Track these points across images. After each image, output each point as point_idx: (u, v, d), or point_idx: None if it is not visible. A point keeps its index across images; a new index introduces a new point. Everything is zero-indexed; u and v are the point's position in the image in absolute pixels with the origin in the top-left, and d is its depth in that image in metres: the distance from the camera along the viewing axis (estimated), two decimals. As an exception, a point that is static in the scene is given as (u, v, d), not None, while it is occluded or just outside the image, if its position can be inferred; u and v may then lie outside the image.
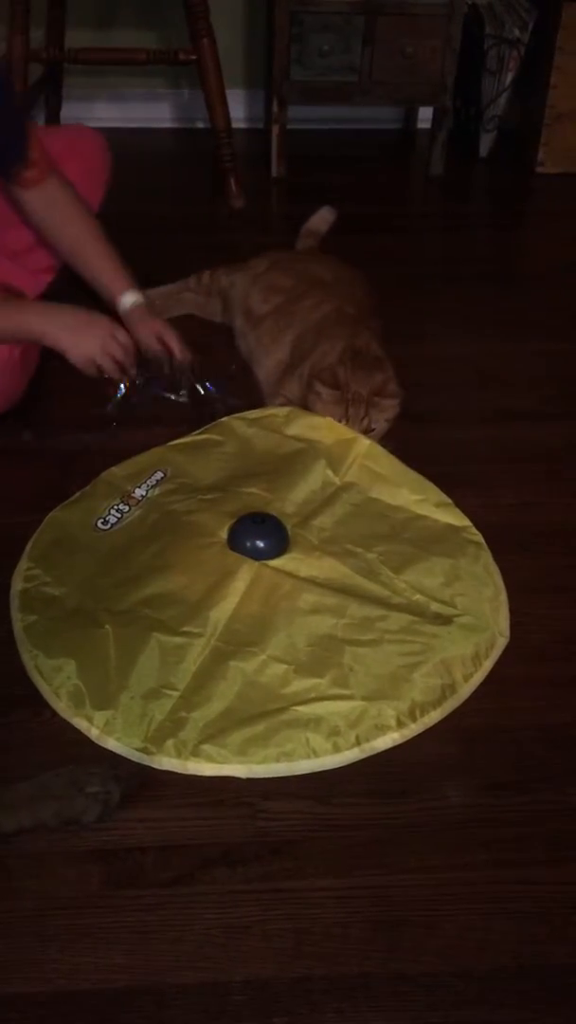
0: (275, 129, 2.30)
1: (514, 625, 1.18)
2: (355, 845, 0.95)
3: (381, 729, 1.03)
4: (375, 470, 1.36)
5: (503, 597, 1.20)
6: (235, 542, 1.22)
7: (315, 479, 1.33)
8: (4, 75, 1.35)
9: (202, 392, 1.51)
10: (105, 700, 1.04)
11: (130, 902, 0.90)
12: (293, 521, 1.26)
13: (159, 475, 1.35)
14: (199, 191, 2.28)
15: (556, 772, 1.03)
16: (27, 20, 2.05)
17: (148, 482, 1.34)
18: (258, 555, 1.20)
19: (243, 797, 0.98)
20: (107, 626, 1.11)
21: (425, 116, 2.53)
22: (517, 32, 2.31)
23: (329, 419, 1.41)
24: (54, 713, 1.05)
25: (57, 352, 1.42)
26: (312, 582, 1.18)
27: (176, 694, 1.05)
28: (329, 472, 1.34)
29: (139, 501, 1.31)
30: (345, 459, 1.37)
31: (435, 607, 1.17)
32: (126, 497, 1.31)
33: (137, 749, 1.01)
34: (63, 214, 1.48)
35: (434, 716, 1.06)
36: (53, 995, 0.83)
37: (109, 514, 1.29)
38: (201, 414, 1.48)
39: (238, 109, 2.44)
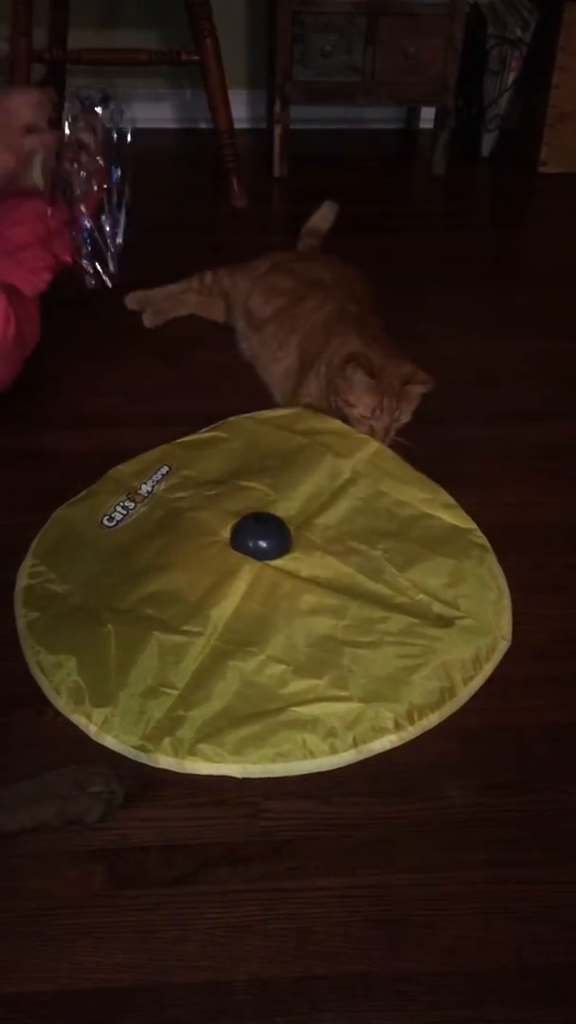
0: (277, 129, 2.30)
1: (514, 624, 1.18)
2: (357, 844, 0.95)
3: (378, 731, 1.03)
4: (384, 467, 1.36)
5: (506, 601, 1.20)
6: (237, 542, 1.22)
7: (322, 473, 1.33)
8: None
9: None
10: (104, 697, 1.05)
11: (133, 902, 0.90)
12: (297, 521, 1.26)
13: (164, 470, 1.35)
14: (201, 191, 2.29)
15: (557, 771, 1.03)
16: (30, 21, 2.05)
17: (153, 477, 1.34)
18: (260, 555, 1.21)
19: (245, 797, 0.99)
20: (109, 624, 1.12)
21: (427, 116, 2.53)
22: (519, 32, 2.31)
23: (338, 422, 1.41)
24: (57, 712, 1.06)
25: None
26: (313, 582, 1.18)
27: (175, 693, 1.05)
28: (338, 462, 1.35)
29: (144, 497, 1.31)
30: (354, 453, 1.37)
31: (437, 608, 1.17)
32: (132, 494, 1.32)
33: (135, 747, 1.01)
34: None
35: (432, 719, 1.06)
36: (55, 994, 0.83)
37: (115, 511, 1.29)
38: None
39: (240, 109, 2.44)
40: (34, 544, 1.25)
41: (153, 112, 2.56)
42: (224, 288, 1.71)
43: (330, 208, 1.92)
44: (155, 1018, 0.82)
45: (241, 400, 1.54)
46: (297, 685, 1.07)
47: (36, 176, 1.48)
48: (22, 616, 1.15)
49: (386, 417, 1.38)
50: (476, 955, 0.87)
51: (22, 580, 1.20)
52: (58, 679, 1.07)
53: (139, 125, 2.51)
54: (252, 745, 1.01)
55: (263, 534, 1.22)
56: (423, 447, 1.43)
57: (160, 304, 1.75)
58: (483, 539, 1.28)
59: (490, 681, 1.11)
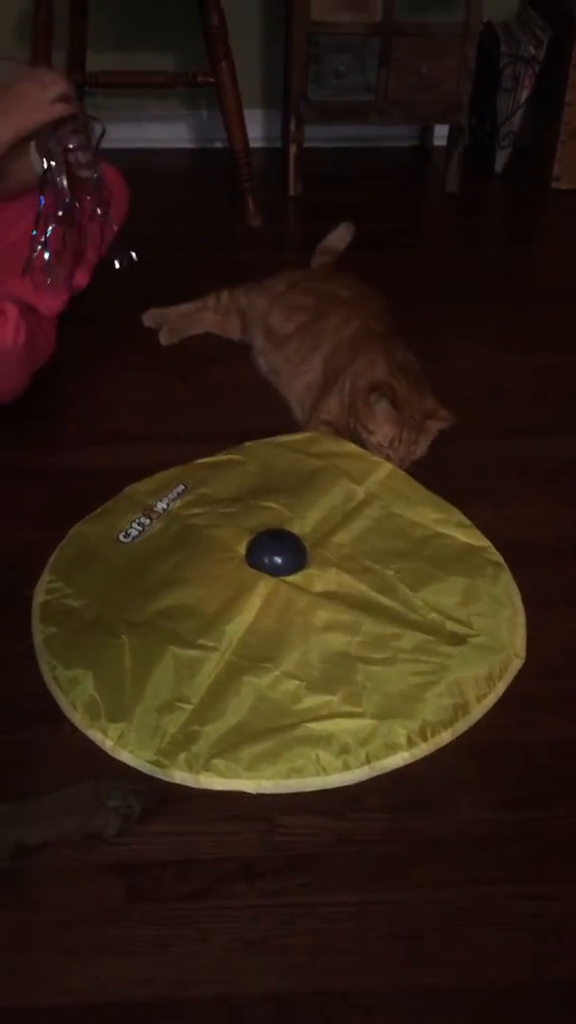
0: (292, 148, 2.32)
1: (529, 640, 1.18)
2: (371, 860, 0.96)
3: (391, 748, 1.04)
4: (397, 489, 1.37)
5: (521, 619, 1.21)
6: (253, 558, 1.23)
7: (337, 495, 1.35)
8: None
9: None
10: (120, 712, 1.06)
11: (150, 916, 0.91)
12: (312, 539, 1.27)
13: (180, 488, 1.37)
14: (217, 210, 2.31)
15: (571, 788, 1.03)
16: (49, 44, 2.09)
17: (169, 496, 1.36)
18: (275, 571, 1.22)
19: (260, 812, 1.00)
20: (124, 637, 1.13)
21: (441, 133, 2.55)
22: (532, 50, 2.33)
23: (353, 445, 1.42)
24: (74, 728, 1.07)
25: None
26: (328, 599, 1.19)
27: (190, 707, 1.06)
28: (353, 486, 1.36)
29: (160, 514, 1.33)
30: (368, 477, 1.38)
31: (450, 626, 1.17)
32: (147, 511, 1.33)
33: (150, 762, 1.02)
34: None
35: (445, 736, 1.06)
36: (75, 1008, 0.84)
37: (131, 527, 1.31)
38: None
39: (256, 128, 2.47)
40: (51, 560, 1.27)
41: (170, 132, 2.59)
42: (240, 306, 1.73)
43: (347, 229, 1.94)
44: (172, 1032, 0.83)
45: (257, 417, 1.56)
46: (311, 701, 1.08)
47: (33, 159, 1.48)
48: (39, 632, 1.17)
49: (403, 449, 1.40)
50: (491, 971, 0.88)
51: (39, 596, 1.22)
52: (74, 694, 1.09)
53: (156, 145, 2.56)
54: (266, 761, 1.02)
55: (279, 550, 1.24)
56: (437, 462, 1.44)
57: (176, 322, 1.77)
58: (497, 556, 1.29)
59: (504, 697, 1.12)
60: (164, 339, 1.75)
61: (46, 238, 1.47)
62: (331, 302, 1.62)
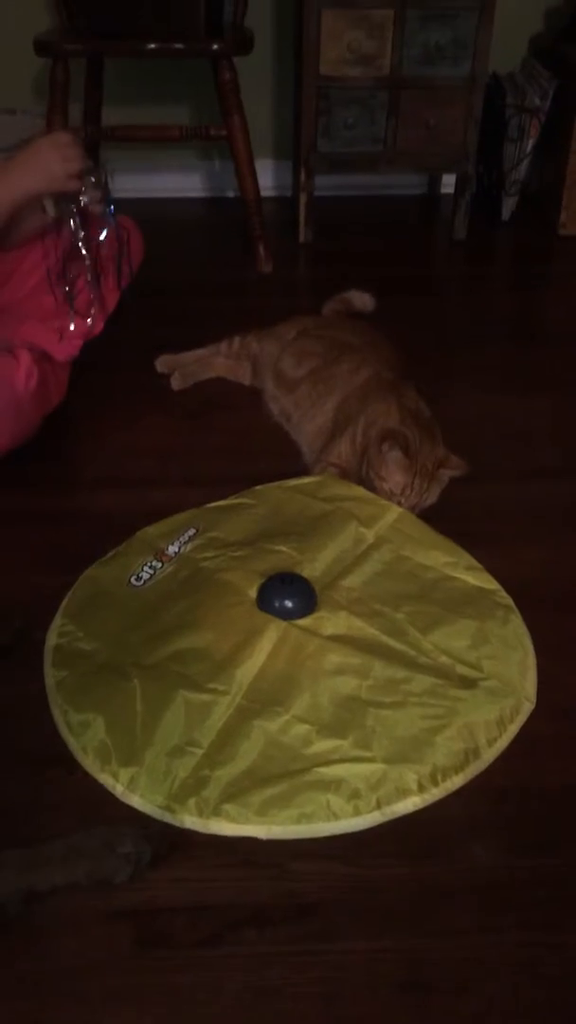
0: (302, 197, 2.37)
1: (540, 684, 1.18)
2: (383, 907, 0.95)
3: (402, 793, 1.04)
4: (407, 532, 1.38)
5: (531, 661, 1.20)
6: (263, 602, 1.24)
7: (346, 538, 1.36)
8: None
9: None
10: (130, 757, 1.06)
11: (160, 963, 0.90)
12: (322, 583, 1.28)
13: (191, 531, 1.38)
14: (230, 257, 2.35)
15: (585, 834, 1.03)
16: (66, 99, 2.15)
17: (180, 539, 1.37)
18: (286, 615, 1.22)
19: (271, 858, 0.99)
20: (135, 680, 1.13)
21: (448, 182, 2.60)
22: (538, 101, 2.38)
23: (362, 488, 1.44)
24: (86, 772, 1.07)
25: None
26: (338, 642, 1.20)
27: (200, 751, 1.06)
28: (362, 529, 1.37)
29: (171, 557, 1.34)
30: (377, 520, 1.39)
31: (461, 669, 1.17)
32: (159, 554, 1.35)
33: (160, 807, 1.02)
34: None
35: (456, 781, 1.06)
36: (84, 1056, 0.84)
37: (142, 571, 1.32)
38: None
39: (267, 178, 2.53)
40: (64, 603, 1.28)
41: (183, 182, 2.66)
42: (252, 352, 1.76)
43: (370, 299, 1.95)
44: None
45: (266, 461, 1.58)
46: (321, 745, 1.08)
47: (47, 206, 1.53)
48: (51, 675, 1.18)
49: (414, 497, 1.42)
50: (506, 1021, 0.86)
51: (51, 639, 1.23)
52: (85, 738, 1.09)
53: (170, 195, 2.62)
54: (277, 806, 1.02)
55: (289, 594, 1.24)
56: (447, 504, 1.45)
57: (188, 367, 1.80)
58: (507, 599, 1.29)
59: (515, 741, 1.11)
60: (176, 384, 1.77)
61: (68, 277, 1.51)
62: (342, 349, 1.64)
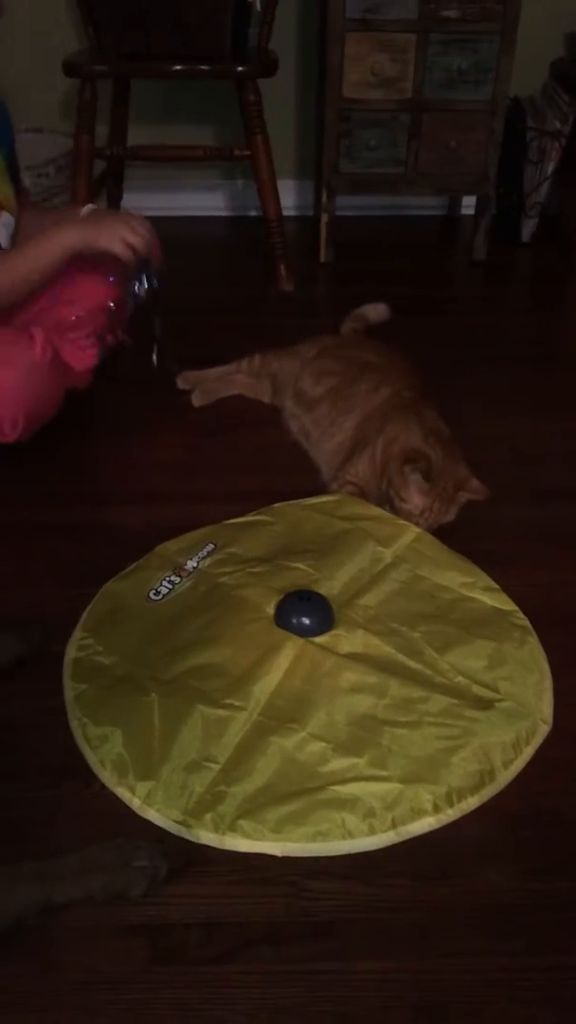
0: (324, 217, 2.39)
1: (557, 706, 1.18)
2: (397, 927, 0.95)
3: (417, 813, 1.04)
4: (424, 552, 1.39)
5: (548, 683, 1.20)
6: (281, 618, 1.25)
7: (364, 557, 1.36)
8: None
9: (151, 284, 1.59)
10: (148, 771, 1.07)
11: (174, 978, 0.91)
12: (340, 601, 1.29)
13: (209, 547, 1.39)
14: (251, 276, 2.37)
15: (600, 858, 1.02)
16: (93, 120, 2.18)
17: (199, 554, 1.38)
18: (303, 632, 1.23)
19: (286, 875, 0.99)
20: (153, 694, 1.14)
21: (469, 203, 2.61)
22: (558, 124, 2.40)
23: (379, 509, 1.45)
24: (103, 785, 1.08)
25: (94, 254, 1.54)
26: (354, 660, 1.20)
27: (217, 767, 1.07)
28: (380, 549, 1.37)
29: (189, 572, 1.35)
30: (395, 540, 1.40)
31: (477, 690, 1.18)
32: (178, 569, 1.36)
33: (176, 821, 1.03)
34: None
35: (471, 803, 1.06)
36: (98, 1070, 0.84)
37: (161, 585, 1.33)
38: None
39: (288, 197, 2.55)
40: (83, 617, 1.29)
41: (206, 201, 2.68)
42: (272, 370, 1.77)
43: (384, 308, 1.98)
44: None
45: (285, 478, 1.59)
46: (337, 763, 1.08)
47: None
48: (70, 688, 1.19)
49: (433, 518, 1.43)
50: (517, 1046, 0.86)
51: (71, 653, 1.24)
52: (103, 752, 1.10)
53: (193, 213, 2.65)
54: (292, 823, 1.02)
55: (306, 611, 1.25)
56: (462, 525, 1.46)
57: (209, 384, 1.82)
58: (524, 620, 1.29)
59: (531, 763, 1.11)
60: (196, 401, 1.79)
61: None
62: (362, 368, 1.65)
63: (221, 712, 1.12)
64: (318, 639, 1.23)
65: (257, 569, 1.34)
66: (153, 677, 1.17)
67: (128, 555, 1.40)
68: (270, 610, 1.26)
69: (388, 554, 1.37)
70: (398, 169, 2.33)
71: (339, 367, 1.67)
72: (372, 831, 1.02)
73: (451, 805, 1.05)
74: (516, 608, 1.31)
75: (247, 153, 2.19)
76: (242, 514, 1.48)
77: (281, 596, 1.27)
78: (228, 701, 1.14)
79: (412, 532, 1.41)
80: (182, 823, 1.03)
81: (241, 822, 1.02)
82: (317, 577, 1.32)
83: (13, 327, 1.57)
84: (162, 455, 1.68)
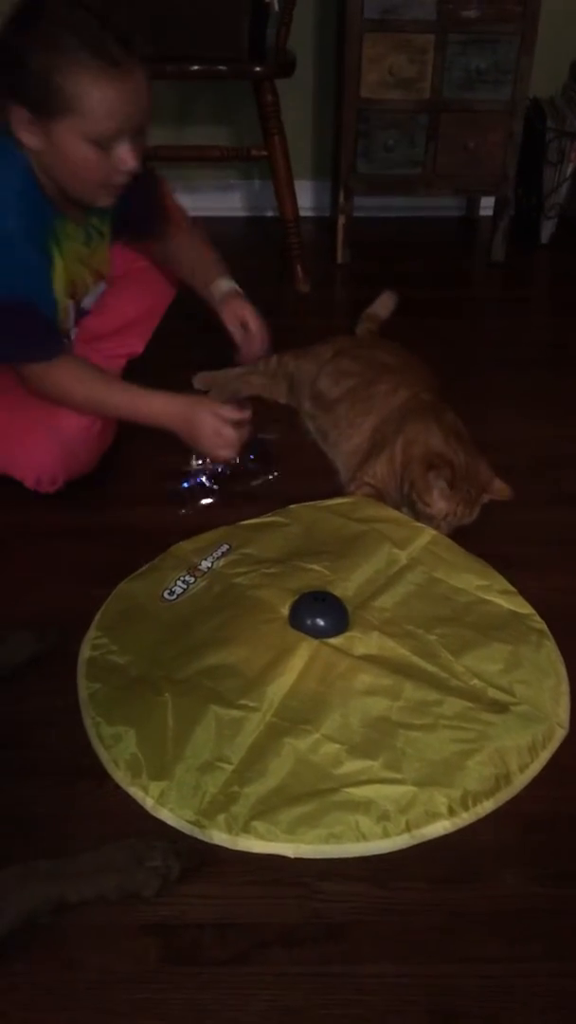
0: (341, 218, 2.39)
1: (573, 710, 1.17)
2: (411, 931, 0.95)
3: (432, 816, 1.03)
4: (440, 555, 1.38)
5: (565, 687, 1.20)
6: (296, 619, 1.25)
7: (379, 559, 1.36)
8: None
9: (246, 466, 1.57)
10: (161, 770, 1.07)
11: (187, 979, 0.91)
12: (355, 603, 1.28)
13: (224, 547, 1.39)
14: (267, 276, 2.37)
15: (617, 864, 1.02)
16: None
17: (214, 554, 1.38)
18: (318, 633, 1.23)
19: (300, 877, 0.99)
20: (166, 694, 1.14)
21: (487, 204, 2.60)
22: (578, 125, 2.39)
23: (395, 511, 1.44)
24: (117, 784, 1.08)
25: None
26: (369, 662, 1.20)
27: (230, 768, 1.07)
28: (396, 551, 1.37)
29: (204, 572, 1.35)
30: (411, 542, 1.39)
31: (492, 693, 1.17)
32: (192, 569, 1.36)
33: (189, 821, 1.03)
34: (179, 244, 1.71)
35: (487, 806, 1.05)
36: (110, 1070, 0.84)
37: (175, 585, 1.33)
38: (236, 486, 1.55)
39: (306, 198, 2.55)
40: (98, 616, 1.29)
41: (223, 202, 2.68)
42: (288, 371, 1.77)
43: (390, 297, 1.98)
44: None
45: (301, 480, 1.58)
46: (351, 765, 1.08)
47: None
48: (84, 687, 1.19)
49: (456, 521, 1.42)
50: (532, 1052, 0.86)
51: (85, 652, 1.24)
52: (117, 751, 1.10)
53: (210, 214, 2.64)
54: (305, 825, 1.02)
55: (321, 612, 1.25)
56: (481, 529, 1.45)
57: (225, 385, 1.81)
58: (541, 624, 1.28)
59: (547, 768, 1.10)
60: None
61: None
62: (380, 369, 1.65)
63: (235, 713, 1.12)
64: (333, 640, 1.22)
65: (272, 570, 1.34)
66: (167, 677, 1.17)
67: (142, 555, 1.40)
68: (285, 611, 1.26)
69: (403, 556, 1.37)
70: (416, 170, 2.32)
71: (357, 368, 1.67)
72: (386, 834, 1.02)
73: (466, 809, 1.04)
74: (533, 611, 1.30)
75: (264, 153, 2.19)
76: (258, 515, 1.48)
77: (296, 597, 1.27)
78: (242, 702, 1.14)
79: (428, 534, 1.41)
80: (195, 823, 1.03)
81: (254, 823, 1.02)
82: (332, 579, 1.32)
83: None
84: (178, 457, 1.67)
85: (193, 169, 2.59)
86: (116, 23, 1.25)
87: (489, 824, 1.04)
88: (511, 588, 1.33)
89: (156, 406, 1.47)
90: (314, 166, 2.65)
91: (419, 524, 1.42)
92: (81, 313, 1.57)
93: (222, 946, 0.93)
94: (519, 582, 1.35)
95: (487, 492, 1.43)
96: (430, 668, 1.20)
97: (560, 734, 1.14)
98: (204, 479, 1.54)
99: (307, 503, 1.49)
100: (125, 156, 1.32)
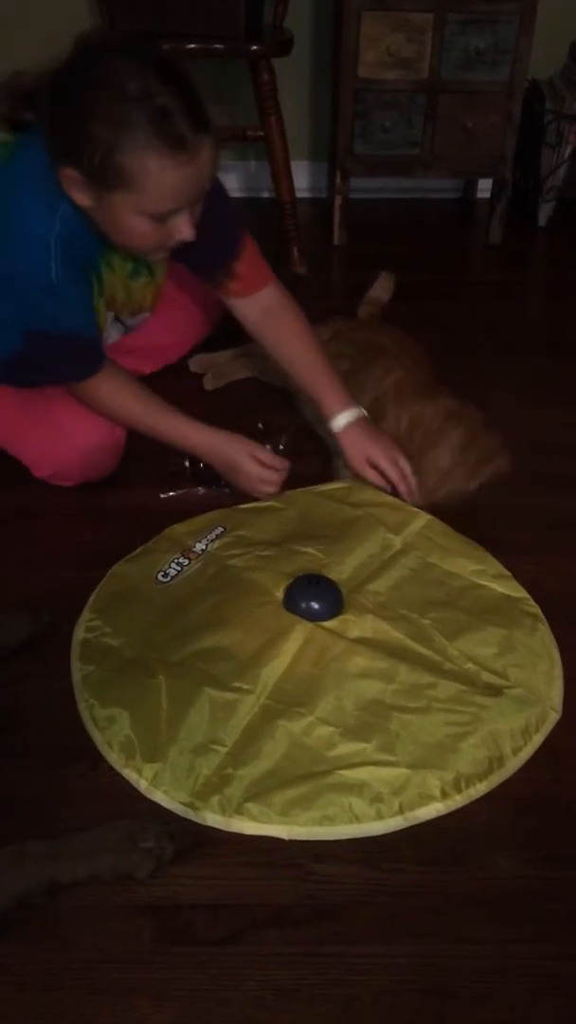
0: (337, 200, 2.37)
1: (566, 693, 1.17)
2: (404, 912, 0.95)
3: (425, 799, 1.03)
4: (435, 539, 1.38)
5: (558, 671, 1.20)
6: (290, 602, 1.24)
7: (374, 543, 1.36)
8: (221, 188, 1.42)
9: None
10: (155, 752, 1.07)
11: (180, 959, 0.91)
12: (349, 586, 1.28)
13: (219, 530, 1.39)
14: (264, 258, 2.35)
15: (609, 847, 1.02)
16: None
17: (208, 536, 1.38)
18: (312, 616, 1.23)
19: (293, 859, 0.99)
20: (160, 676, 1.14)
21: (485, 186, 2.59)
22: (576, 107, 2.37)
23: (391, 497, 1.44)
24: (111, 766, 1.08)
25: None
26: (364, 645, 1.20)
27: (224, 750, 1.07)
28: (390, 535, 1.37)
29: (198, 555, 1.35)
30: (405, 527, 1.39)
31: (486, 677, 1.17)
32: (186, 551, 1.35)
33: (183, 803, 1.03)
34: (277, 329, 1.52)
35: (480, 788, 1.05)
36: (103, 1049, 0.84)
37: (169, 567, 1.33)
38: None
39: (302, 179, 2.53)
40: (92, 598, 1.29)
41: (219, 182, 2.66)
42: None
43: (388, 279, 1.97)
44: (199, 1079, 0.83)
45: (295, 462, 1.57)
46: (345, 748, 1.08)
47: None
48: (78, 669, 1.19)
49: (454, 491, 1.42)
50: (523, 1032, 0.86)
51: (79, 634, 1.24)
52: (110, 733, 1.10)
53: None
54: (299, 807, 1.02)
55: (316, 595, 1.25)
56: (478, 513, 1.45)
57: (221, 367, 1.80)
58: (535, 608, 1.28)
59: (540, 751, 1.11)
60: (208, 384, 1.78)
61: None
62: (376, 352, 1.64)
63: (229, 695, 1.12)
64: (327, 623, 1.22)
65: (266, 553, 1.34)
66: (161, 659, 1.17)
67: (137, 538, 1.39)
68: (279, 594, 1.26)
69: (398, 541, 1.36)
70: (413, 151, 2.31)
71: (352, 351, 1.66)
72: (379, 816, 1.02)
73: (459, 791, 1.04)
74: (527, 595, 1.30)
75: (260, 134, 2.17)
76: (253, 499, 1.47)
77: (290, 580, 1.27)
78: (236, 684, 1.14)
79: (422, 519, 1.40)
80: (189, 805, 1.03)
81: (248, 805, 1.02)
82: (327, 562, 1.32)
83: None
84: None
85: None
86: (185, 90, 1.16)
87: (482, 807, 1.05)
88: (506, 572, 1.33)
89: (193, 439, 1.44)
90: (311, 147, 2.64)
91: (413, 509, 1.42)
92: (119, 329, 1.57)
93: (215, 927, 0.94)
94: (514, 566, 1.34)
95: (491, 463, 1.42)
96: (424, 651, 1.20)
97: (553, 717, 1.14)
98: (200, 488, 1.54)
99: (301, 488, 1.49)
100: (182, 227, 1.25)
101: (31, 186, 1.24)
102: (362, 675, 1.16)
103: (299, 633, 1.20)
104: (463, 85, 2.22)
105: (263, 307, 1.51)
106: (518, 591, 1.31)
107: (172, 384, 1.79)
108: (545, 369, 1.94)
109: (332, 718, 1.11)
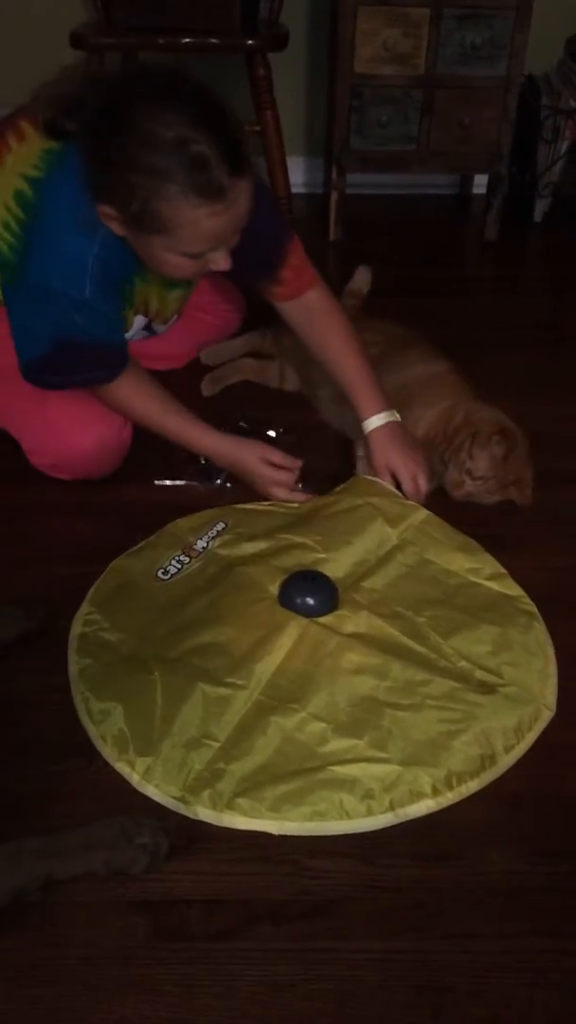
0: (333, 195, 2.37)
1: (560, 692, 1.18)
2: (399, 908, 0.96)
3: (416, 796, 1.04)
4: (432, 535, 1.38)
5: (552, 669, 1.20)
6: (285, 598, 1.25)
7: (371, 537, 1.36)
8: (269, 193, 1.40)
9: None
10: (147, 747, 1.07)
11: (175, 955, 0.91)
12: (345, 583, 1.28)
13: (220, 526, 1.39)
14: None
15: (602, 842, 1.02)
16: (101, 93, 2.15)
17: (209, 533, 1.38)
18: (307, 612, 1.23)
19: (288, 854, 1.00)
20: (156, 672, 1.14)
21: (480, 181, 2.59)
22: (573, 102, 2.37)
23: (391, 487, 1.44)
24: (106, 762, 1.08)
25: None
26: (357, 641, 1.20)
27: (216, 745, 1.07)
28: (387, 529, 1.37)
29: (199, 553, 1.35)
30: (403, 520, 1.39)
31: (480, 675, 1.17)
32: (187, 549, 1.35)
33: (175, 797, 1.03)
34: (320, 331, 1.52)
35: (471, 786, 1.06)
36: (98, 1045, 0.85)
37: (170, 564, 1.33)
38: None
39: (298, 174, 2.53)
40: (91, 592, 1.29)
41: (214, 177, 2.65)
42: (284, 348, 1.76)
43: (365, 271, 1.98)
44: (194, 1074, 0.83)
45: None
46: (337, 744, 1.08)
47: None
48: (75, 663, 1.19)
49: (477, 491, 1.44)
50: (516, 1027, 0.87)
51: (77, 627, 1.24)
52: (104, 727, 1.10)
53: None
54: (290, 802, 1.02)
55: (311, 591, 1.25)
56: (473, 508, 1.45)
57: (217, 372, 1.80)
58: (531, 606, 1.28)
59: (533, 749, 1.11)
60: (206, 390, 1.77)
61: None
62: (404, 341, 1.65)
63: (222, 691, 1.12)
64: (322, 619, 1.22)
65: (263, 545, 1.34)
66: (157, 656, 1.17)
67: (140, 532, 1.40)
68: (274, 590, 1.26)
69: (395, 535, 1.36)
70: (410, 146, 2.30)
71: (378, 339, 1.65)
72: (370, 812, 1.02)
73: (451, 788, 1.05)
74: (523, 593, 1.30)
75: (256, 129, 2.17)
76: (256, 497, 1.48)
77: (285, 576, 1.27)
78: (230, 680, 1.14)
79: (421, 513, 1.41)
80: (180, 799, 1.03)
81: (239, 800, 1.02)
82: (323, 556, 1.32)
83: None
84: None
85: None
86: (223, 132, 1.15)
87: (476, 803, 1.05)
88: (502, 571, 1.33)
89: (205, 441, 1.47)
90: (307, 142, 2.63)
91: (412, 503, 1.42)
92: (143, 334, 1.58)
93: (210, 922, 0.94)
94: (511, 562, 1.35)
95: (516, 486, 1.45)
96: (418, 649, 1.20)
97: (547, 715, 1.14)
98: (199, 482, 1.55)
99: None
100: (218, 260, 1.26)
101: (75, 201, 1.25)
102: (355, 671, 1.16)
103: (293, 629, 1.20)
104: (459, 81, 2.22)
105: (307, 309, 1.51)
106: (514, 589, 1.31)
107: (173, 383, 1.78)
108: (542, 364, 1.94)
109: (325, 714, 1.11)
